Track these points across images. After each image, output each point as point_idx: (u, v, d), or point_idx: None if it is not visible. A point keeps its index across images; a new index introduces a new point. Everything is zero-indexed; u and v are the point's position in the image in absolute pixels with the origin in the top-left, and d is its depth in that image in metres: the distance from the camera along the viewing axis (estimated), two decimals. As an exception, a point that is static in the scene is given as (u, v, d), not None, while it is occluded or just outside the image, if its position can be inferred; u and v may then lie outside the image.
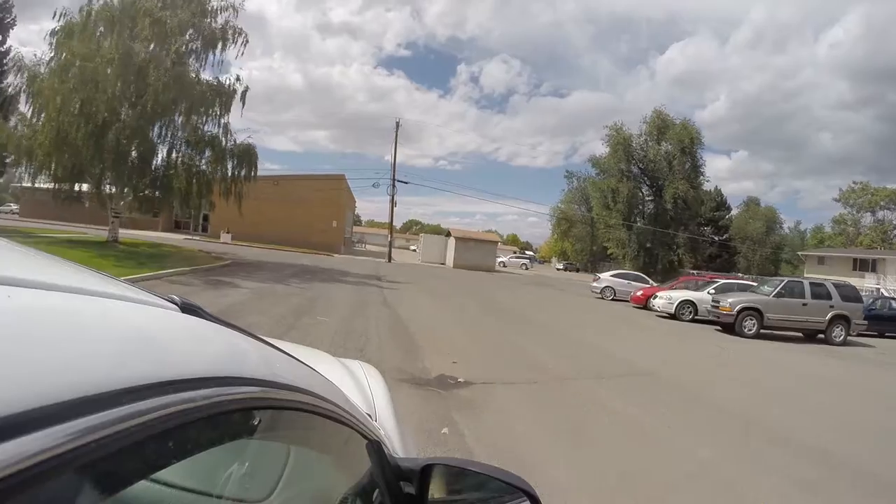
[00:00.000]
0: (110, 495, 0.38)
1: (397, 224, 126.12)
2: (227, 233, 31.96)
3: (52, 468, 0.30)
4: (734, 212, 62.55)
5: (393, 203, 32.94)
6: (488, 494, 1.03)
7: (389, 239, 33.98)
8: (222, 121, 18.91)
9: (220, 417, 0.51)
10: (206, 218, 37.91)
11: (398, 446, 1.35)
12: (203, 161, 19.42)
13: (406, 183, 33.73)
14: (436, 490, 0.97)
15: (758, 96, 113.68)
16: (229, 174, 19.37)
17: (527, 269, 47.72)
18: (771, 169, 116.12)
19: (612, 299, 21.03)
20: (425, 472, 0.95)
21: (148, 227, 30.24)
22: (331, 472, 0.95)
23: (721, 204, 59.85)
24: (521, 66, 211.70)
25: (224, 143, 19.15)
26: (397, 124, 33.26)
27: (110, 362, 0.40)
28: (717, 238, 56.21)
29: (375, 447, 0.92)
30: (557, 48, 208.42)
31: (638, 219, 48.85)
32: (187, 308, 0.64)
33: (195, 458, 0.49)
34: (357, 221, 75.32)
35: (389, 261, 32.03)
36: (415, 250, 67.46)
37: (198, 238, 32.16)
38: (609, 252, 51.75)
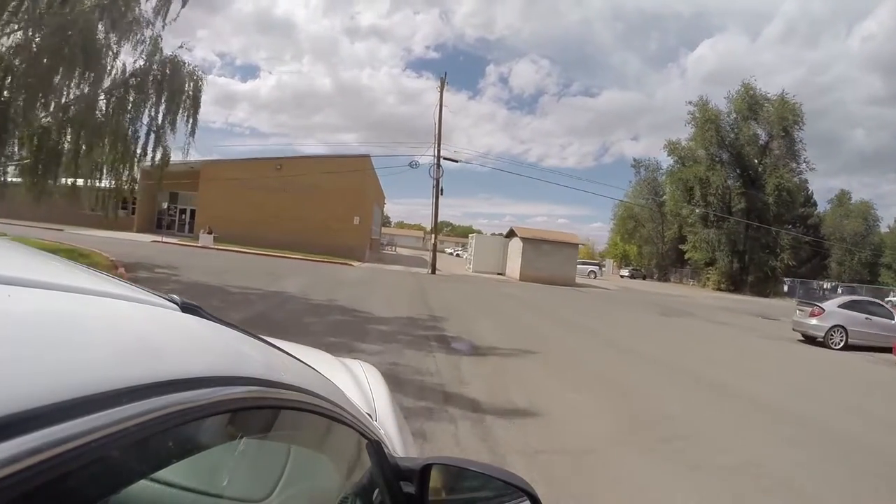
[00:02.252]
0: (110, 495, 0.38)
1: (412, 223, 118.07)
2: (208, 233, 23.10)
3: (52, 468, 0.30)
4: (820, 208, 53.77)
5: (437, 189, 23.49)
6: (488, 494, 1.03)
7: (433, 242, 24.39)
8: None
9: (220, 417, 0.51)
10: (192, 215, 29.29)
11: (398, 446, 1.33)
12: (101, 100, 10.60)
13: (455, 161, 24.33)
14: (436, 490, 0.97)
15: (789, 92, 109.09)
16: (147, 122, 11.75)
17: (595, 277, 37.55)
18: (803, 167, 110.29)
19: (843, 346, 12.17)
20: (425, 471, 0.93)
21: (123, 227, 24.65)
22: (331, 472, 0.93)
23: (807, 199, 50.21)
24: (550, 66, 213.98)
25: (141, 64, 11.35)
26: (443, 81, 23.81)
27: (110, 362, 0.40)
28: (813, 238, 46.18)
29: (375, 447, 0.91)
30: (586, 47, 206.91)
31: (728, 215, 40.28)
32: (187, 308, 0.63)
33: (195, 458, 0.50)
34: (385, 222, 66.30)
35: (433, 272, 22.28)
36: (459, 255, 57.32)
37: (171, 241, 23.22)
38: (687, 256, 43.98)
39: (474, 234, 30.05)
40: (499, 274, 28.27)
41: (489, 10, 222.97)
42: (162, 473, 0.50)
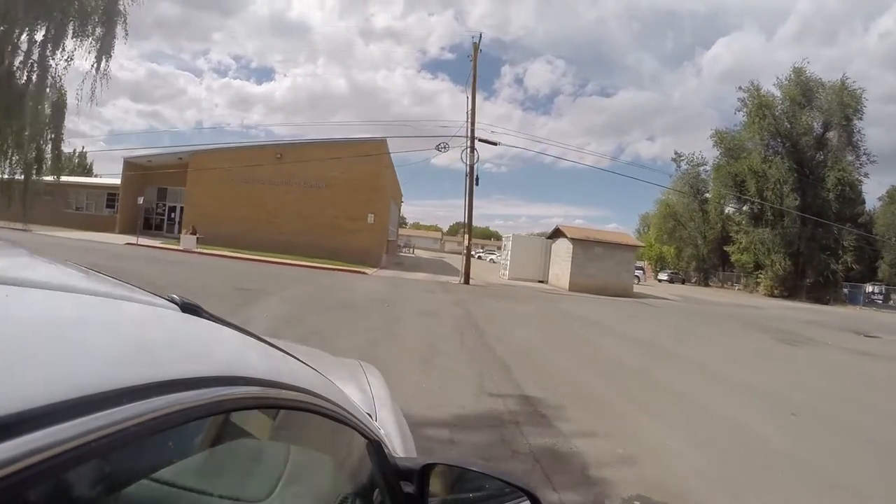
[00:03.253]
0: (110, 495, 0.38)
1: (427, 224, 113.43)
2: (192, 233, 18.87)
3: (52, 468, 0.30)
4: (868, 205, 47.41)
5: (472, 178, 18.66)
6: (488, 494, 1.02)
7: (466, 245, 19.21)
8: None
9: (220, 417, 0.51)
10: (182, 213, 25.55)
11: (398, 446, 1.32)
12: None
13: (495, 144, 19.69)
14: (436, 490, 0.96)
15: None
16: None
17: (639, 282, 32.56)
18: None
19: None
20: (425, 471, 0.93)
21: (107, 228, 23.15)
22: (331, 472, 0.93)
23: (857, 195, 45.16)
24: (565, 67, 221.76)
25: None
26: (476, 46, 19.20)
27: (110, 362, 0.40)
28: (876, 238, 41.28)
29: (375, 447, 0.91)
30: (601, 47, 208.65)
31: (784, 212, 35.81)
32: (188, 308, 0.63)
33: (195, 458, 0.51)
34: (401, 222, 61.98)
35: (466, 281, 17.69)
36: (483, 258, 52.49)
37: (149, 243, 19.16)
38: (734, 259, 39.95)
39: (510, 235, 25.35)
40: (539, 281, 23.55)
41: (504, 10, 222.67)
42: (162, 473, 0.50)
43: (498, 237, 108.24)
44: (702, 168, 47.62)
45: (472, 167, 18.25)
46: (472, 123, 18.36)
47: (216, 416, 0.50)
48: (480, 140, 18.52)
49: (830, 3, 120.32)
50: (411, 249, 54.81)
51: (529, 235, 26.58)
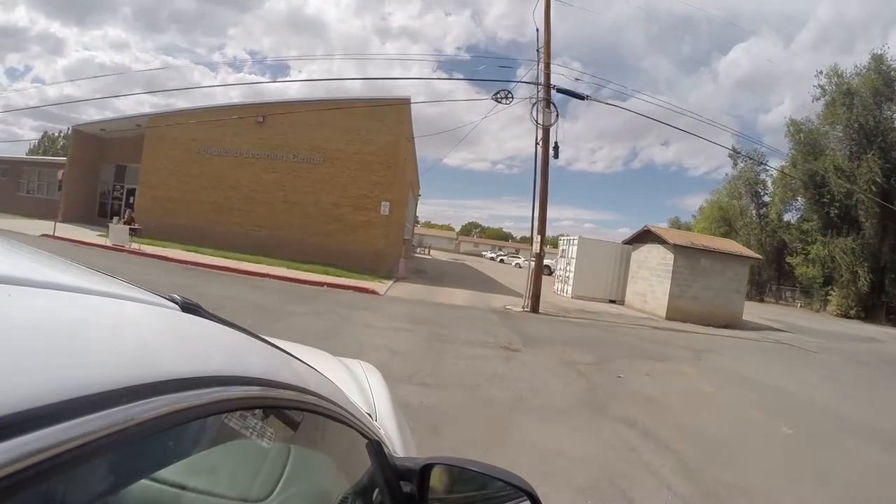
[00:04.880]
0: (110, 495, 0.38)
1: (439, 224, 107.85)
2: (127, 223, 13.07)
3: (52, 468, 0.30)
4: None
5: (546, 143, 11.60)
6: (488, 494, 1.01)
7: (536, 249, 12.21)
8: None
9: (220, 417, 0.51)
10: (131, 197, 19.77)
11: (398, 446, 1.30)
12: None
13: (582, 98, 12.26)
14: (435, 490, 0.95)
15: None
16: None
17: None
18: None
19: None
20: (425, 471, 0.92)
21: (45, 215, 17.57)
22: (331, 472, 0.93)
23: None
24: (581, 69, 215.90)
25: None
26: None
27: (110, 361, 0.40)
28: None
29: (375, 447, 0.90)
30: (619, 51, 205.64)
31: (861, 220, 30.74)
32: (188, 307, 0.63)
33: (195, 458, 0.50)
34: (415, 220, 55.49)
35: (534, 309, 11.26)
36: (519, 265, 45.91)
37: (73, 236, 13.42)
38: (798, 272, 34.30)
39: (572, 238, 18.71)
40: (611, 301, 17.28)
41: (521, 12, 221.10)
42: (162, 473, 0.49)
43: (506, 238, 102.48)
44: (761, 167, 41.31)
45: (546, 131, 11.85)
46: (547, 66, 11.81)
47: (216, 416, 0.49)
48: (560, 90, 11.99)
49: (848, 10, 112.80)
50: (426, 250, 49.16)
51: (599, 240, 19.96)
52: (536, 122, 11.60)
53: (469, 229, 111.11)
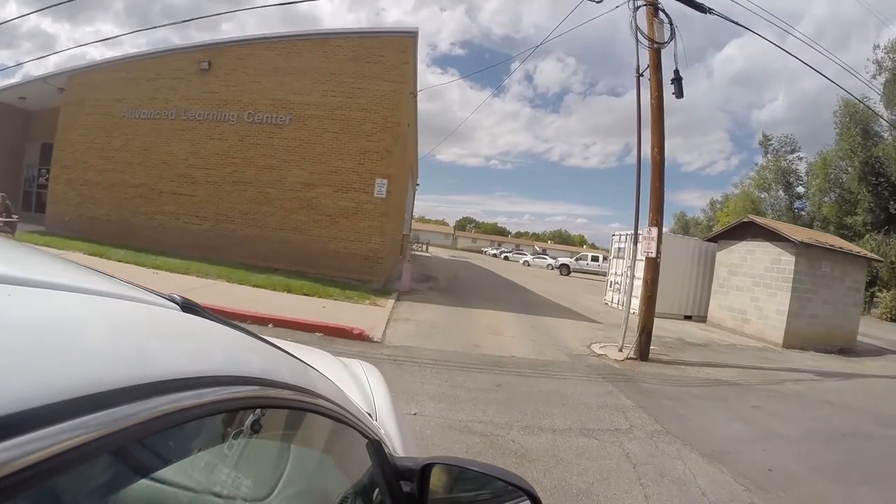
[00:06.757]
0: (110, 494, 0.38)
1: (432, 218, 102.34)
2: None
3: (52, 467, 0.30)
4: None
5: (655, 65, 7.03)
6: (488, 494, 1.00)
7: (652, 252, 7.05)
8: None
9: (220, 417, 0.51)
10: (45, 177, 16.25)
11: (398, 446, 1.30)
12: None
13: (704, 10, 7.05)
14: (435, 489, 0.94)
15: (816, 96, 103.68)
16: None
17: None
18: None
19: None
20: (425, 471, 0.92)
21: None
22: (331, 472, 0.92)
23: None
24: (576, 65, 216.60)
25: None
26: None
27: (110, 361, 0.40)
28: None
29: (375, 446, 0.90)
30: (613, 46, 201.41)
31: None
32: (188, 307, 0.63)
33: (195, 458, 0.50)
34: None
35: (643, 355, 6.67)
36: (527, 263, 41.10)
37: None
38: None
39: (624, 235, 13.82)
40: (686, 317, 12.75)
41: (516, 7, 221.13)
42: (162, 473, 0.50)
43: (503, 233, 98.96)
44: (795, 156, 36.90)
45: (656, 54, 6.96)
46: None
47: (216, 416, 0.50)
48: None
49: (843, 8, 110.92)
50: (424, 246, 41.85)
51: (674, 235, 14.91)
52: (642, 37, 6.84)
53: (464, 224, 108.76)
